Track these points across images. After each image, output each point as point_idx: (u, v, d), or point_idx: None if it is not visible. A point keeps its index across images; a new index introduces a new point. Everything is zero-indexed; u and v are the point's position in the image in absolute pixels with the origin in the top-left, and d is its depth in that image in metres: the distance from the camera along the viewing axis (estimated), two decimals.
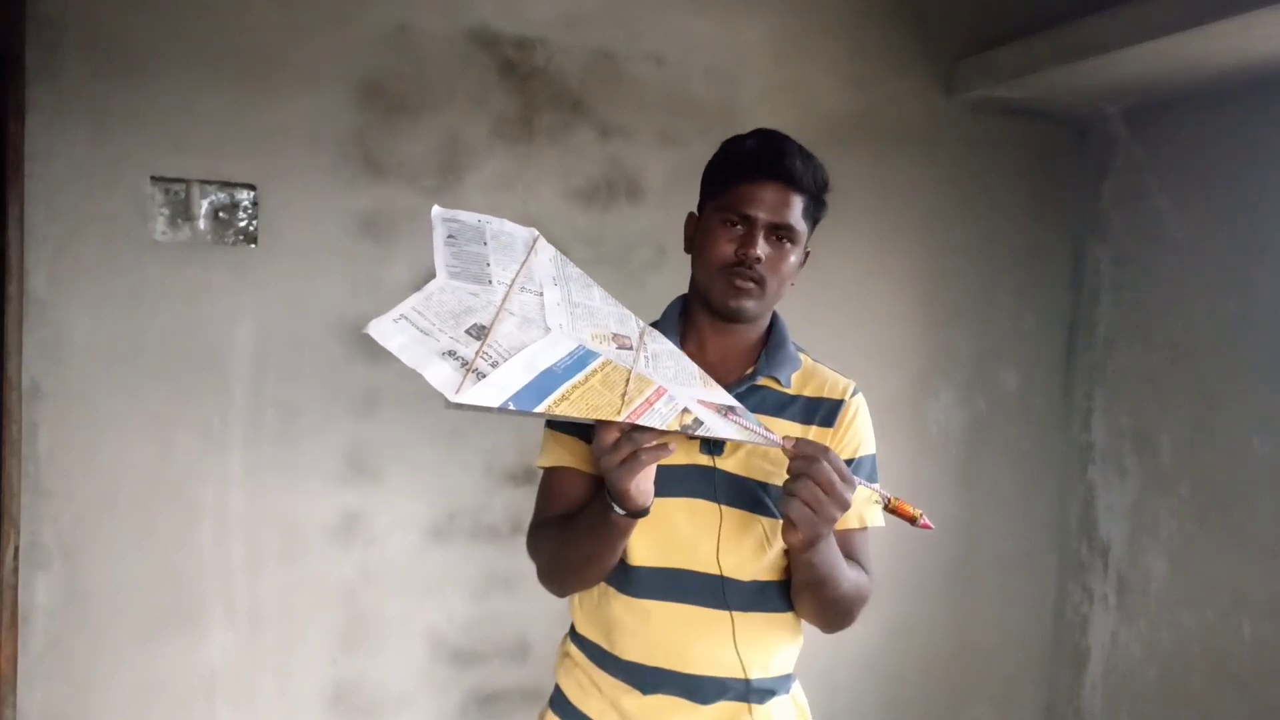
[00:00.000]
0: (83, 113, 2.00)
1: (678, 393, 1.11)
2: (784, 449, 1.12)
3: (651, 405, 1.07)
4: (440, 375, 1.01)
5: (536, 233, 1.22)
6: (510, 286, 1.13)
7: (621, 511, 1.13)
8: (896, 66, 2.69)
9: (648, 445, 1.06)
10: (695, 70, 2.49)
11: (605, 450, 1.08)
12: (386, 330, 1.04)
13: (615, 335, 1.15)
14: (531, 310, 1.13)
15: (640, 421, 1.05)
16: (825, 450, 1.11)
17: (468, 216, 1.19)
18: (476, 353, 1.04)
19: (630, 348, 1.15)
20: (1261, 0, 1.91)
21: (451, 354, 1.03)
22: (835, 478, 1.10)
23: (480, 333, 1.06)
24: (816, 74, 2.61)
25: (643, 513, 1.15)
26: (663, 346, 1.18)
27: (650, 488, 1.14)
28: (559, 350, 1.09)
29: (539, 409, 1.02)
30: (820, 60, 2.62)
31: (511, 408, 1.00)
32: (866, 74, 2.66)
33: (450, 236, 1.16)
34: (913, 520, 1.17)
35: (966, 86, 2.68)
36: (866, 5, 2.65)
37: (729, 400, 1.14)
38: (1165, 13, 2.12)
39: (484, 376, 1.02)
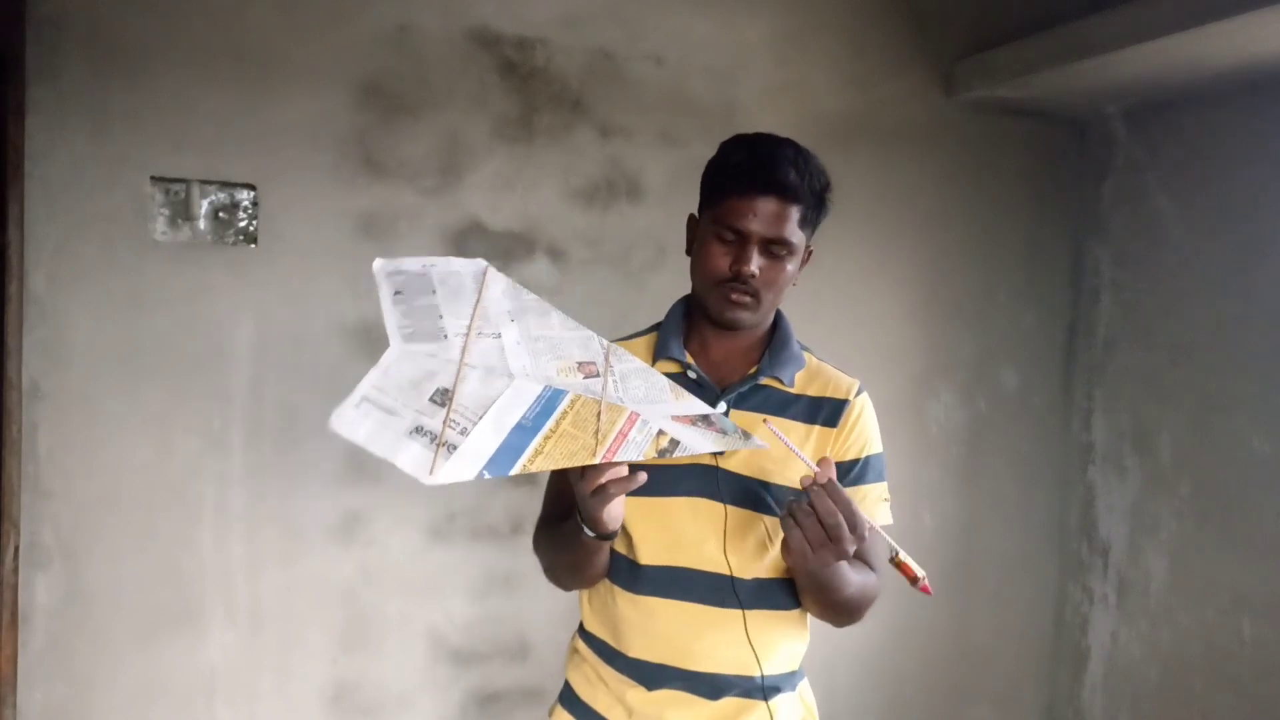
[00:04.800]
0: (83, 113, 2.00)
1: (651, 414, 1.10)
2: (808, 475, 1.11)
3: (625, 437, 1.07)
4: (411, 459, 0.99)
5: (484, 264, 1.17)
6: (467, 336, 1.10)
7: (591, 534, 1.16)
8: (896, 66, 2.69)
9: (616, 477, 1.07)
10: (695, 70, 2.49)
11: (576, 479, 1.10)
12: (351, 420, 1.01)
13: (580, 364, 1.14)
14: (492, 357, 1.10)
15: (616, 457, 1.06)
16: (849, 502, 1.09)
17: (411, 264, 1.14)
18: (444, 422, 1.01)
19: (597, 374, 1.13)
20: (1261, 0, 1.91)
21: (419, 429, 1.01)
22: (845, 532, 1.08)
23: (444, 397, 1.04)
24: (816, 74, 2.62)
25: (611, 536, 1.17)
26: (629, 365, 1.16)
27: (620, 513, 1.16)
28: (525, 398, 1.07)
29: (514, 471, 1.01)
30: (820, 60, 2.62)
31: (487, 476, 1.00)
32: (866, 74, 2.66)
33: (397, 293, 1.11)
34: (913, 581, 1.14)
35: (966, 87, 2.68)
36: (866, 5, 2.65)
37: (703, 410, 1.14)
38: (1165, 13, 2.12)
39: (455, 449, 1.00)
